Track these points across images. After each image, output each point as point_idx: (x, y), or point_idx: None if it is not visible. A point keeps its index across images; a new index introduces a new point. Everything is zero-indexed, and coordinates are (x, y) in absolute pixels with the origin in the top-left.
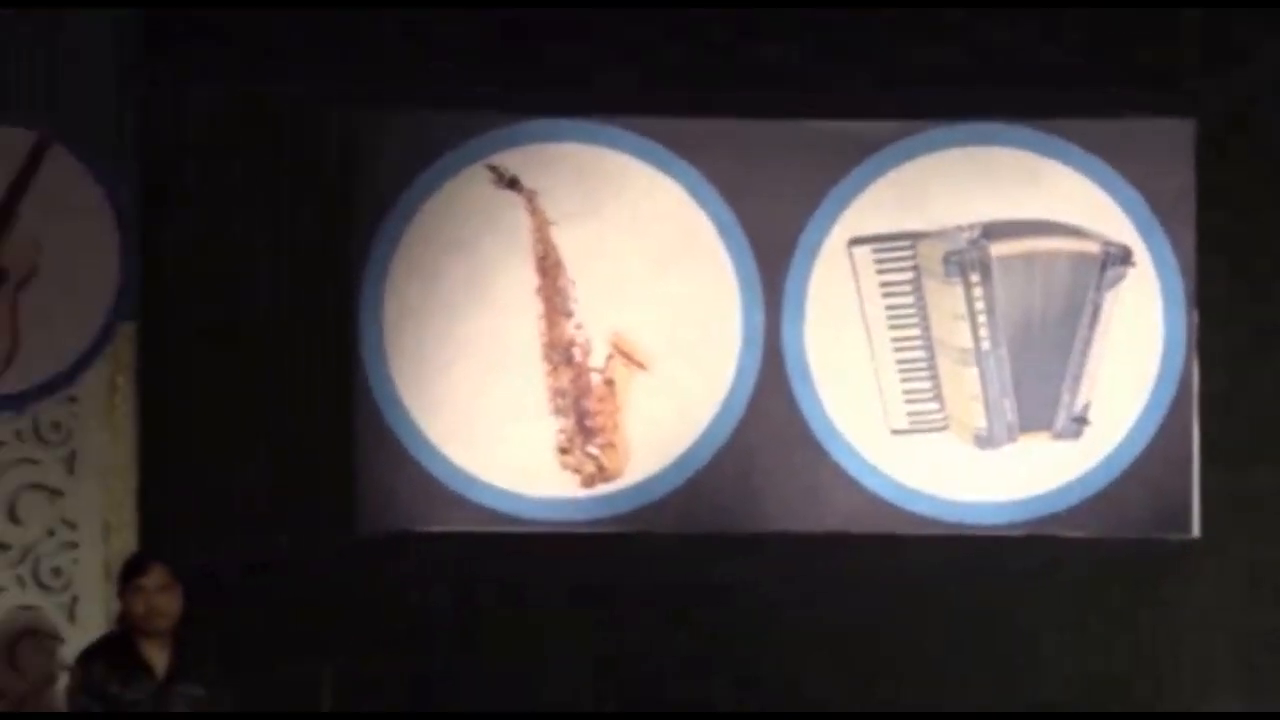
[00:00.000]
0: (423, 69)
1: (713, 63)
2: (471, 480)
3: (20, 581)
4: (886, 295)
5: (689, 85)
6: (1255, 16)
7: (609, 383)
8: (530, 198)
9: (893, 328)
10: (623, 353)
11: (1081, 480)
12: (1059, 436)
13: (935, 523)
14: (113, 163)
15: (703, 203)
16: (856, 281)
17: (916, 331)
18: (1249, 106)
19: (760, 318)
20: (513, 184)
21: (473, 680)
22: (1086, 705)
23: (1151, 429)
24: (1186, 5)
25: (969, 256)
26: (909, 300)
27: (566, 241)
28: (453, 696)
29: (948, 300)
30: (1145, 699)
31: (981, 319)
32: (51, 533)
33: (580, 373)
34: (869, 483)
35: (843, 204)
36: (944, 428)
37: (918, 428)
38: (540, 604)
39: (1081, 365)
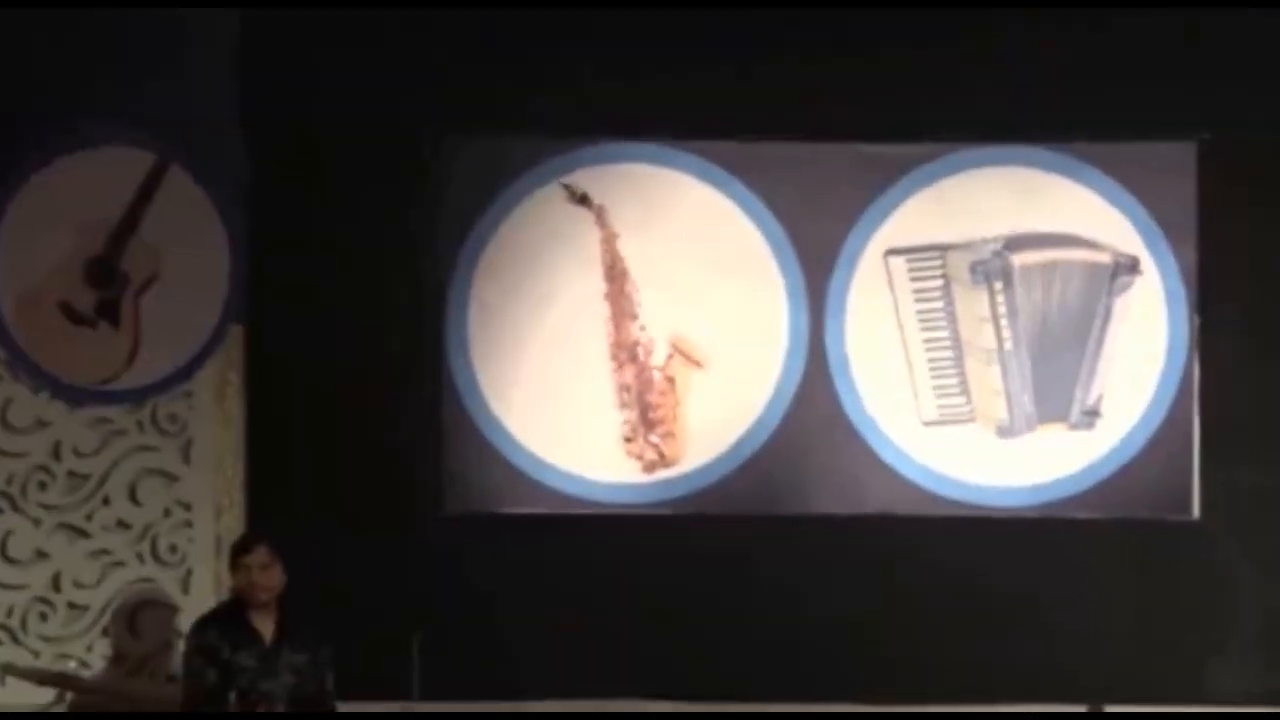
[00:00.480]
0: (494, 94)
1: (760, 89)
2: (545, 466)
3: (140, 557)
4: (919, 301)
5: (738, 110)
6: (1253, 25)
7: (669, 379)
8: (599, 212)
9: (924, 330)
10: (682, 352)
11: (1093, 467)
12: (1073, 427)
13: (962, 505)
14: (224, 180)
15: (754, 218)
16: (892, 288)
17: (945, 333)
18: (1245, 122)
19: (805, 321)
20: (583, 200)
21: (539, 652)
22: (1093, 674)
23: (1157, 421)
24: (1186, 4)
25: (993, 266)
26: (939, 305)
27: (631, 252)
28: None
29: (974, 305)
30: (1154, 668)
31: (1004, 322)
32: (168, 513)
33: (643, 370)
34: (903, 469)
35: (880, 219)
36: (970, 419)
37: (946, 419)
38: (568, 583)
39: (1094, 363)
